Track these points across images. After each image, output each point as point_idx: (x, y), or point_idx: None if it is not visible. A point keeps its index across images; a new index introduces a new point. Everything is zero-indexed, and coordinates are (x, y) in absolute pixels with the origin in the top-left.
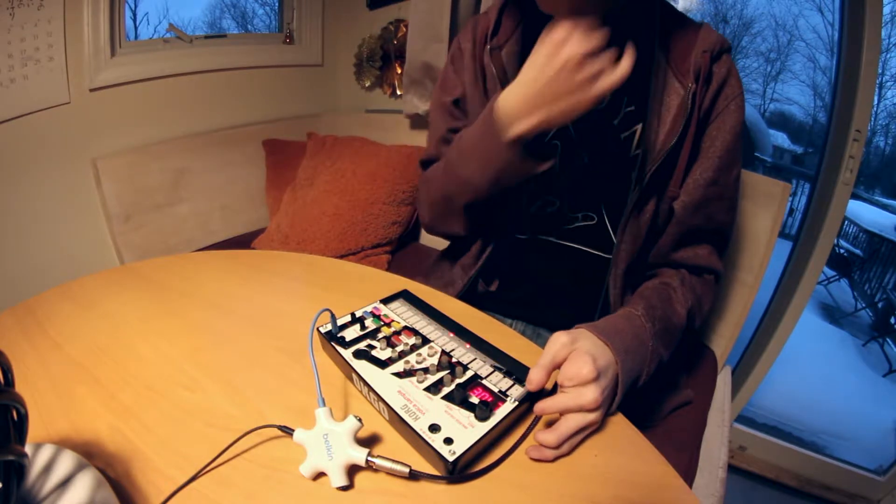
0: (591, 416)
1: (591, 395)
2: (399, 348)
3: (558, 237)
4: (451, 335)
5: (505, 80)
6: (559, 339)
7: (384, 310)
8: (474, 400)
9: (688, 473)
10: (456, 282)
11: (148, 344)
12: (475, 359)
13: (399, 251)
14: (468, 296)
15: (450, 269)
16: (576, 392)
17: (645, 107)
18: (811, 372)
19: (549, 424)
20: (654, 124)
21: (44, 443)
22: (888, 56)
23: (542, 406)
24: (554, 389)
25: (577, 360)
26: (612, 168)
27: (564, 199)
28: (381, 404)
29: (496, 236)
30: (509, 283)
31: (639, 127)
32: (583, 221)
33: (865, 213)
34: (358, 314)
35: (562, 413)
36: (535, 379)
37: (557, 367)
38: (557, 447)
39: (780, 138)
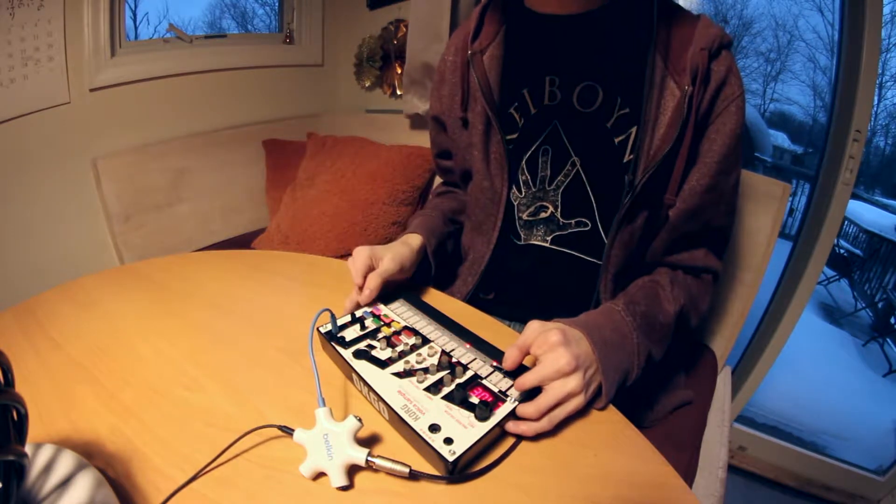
0: (571, 384)
1: (564, 358)
2: (399, 348)
3: (552, 243)
4: (451, 335)
5: (487, 86)
6: (532, 325)
7: (384, 310)
8: (474, 400)
9: (688, 473)
10: (454, 294)
11: (148, 344)
12: (475, 359)
13: None
14: (467, 301)
15: (450, 275)
16: (549, 358)
17: (639, 109)
18: (811, 372)
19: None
20: (649, 128)
21: (44, 443)
22: (888, 56)
23: (521, 381)
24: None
25: (545, 333)
26: (605, 174)
27: (557, 205)
28: (381, 404)
29: (493, 245)
30: (504, 286)
31: (633, 130)
32: (576, 228)
33: (865, 213)
34: (358, 314)
35: (541, 383)
36: (510, 356)
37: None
38: (538, 419)
39: (780, 138)
